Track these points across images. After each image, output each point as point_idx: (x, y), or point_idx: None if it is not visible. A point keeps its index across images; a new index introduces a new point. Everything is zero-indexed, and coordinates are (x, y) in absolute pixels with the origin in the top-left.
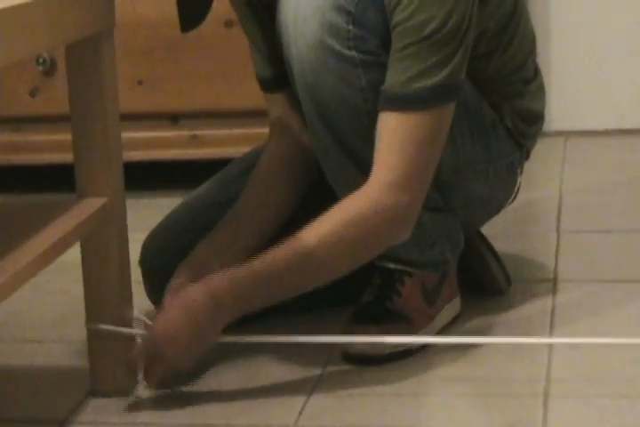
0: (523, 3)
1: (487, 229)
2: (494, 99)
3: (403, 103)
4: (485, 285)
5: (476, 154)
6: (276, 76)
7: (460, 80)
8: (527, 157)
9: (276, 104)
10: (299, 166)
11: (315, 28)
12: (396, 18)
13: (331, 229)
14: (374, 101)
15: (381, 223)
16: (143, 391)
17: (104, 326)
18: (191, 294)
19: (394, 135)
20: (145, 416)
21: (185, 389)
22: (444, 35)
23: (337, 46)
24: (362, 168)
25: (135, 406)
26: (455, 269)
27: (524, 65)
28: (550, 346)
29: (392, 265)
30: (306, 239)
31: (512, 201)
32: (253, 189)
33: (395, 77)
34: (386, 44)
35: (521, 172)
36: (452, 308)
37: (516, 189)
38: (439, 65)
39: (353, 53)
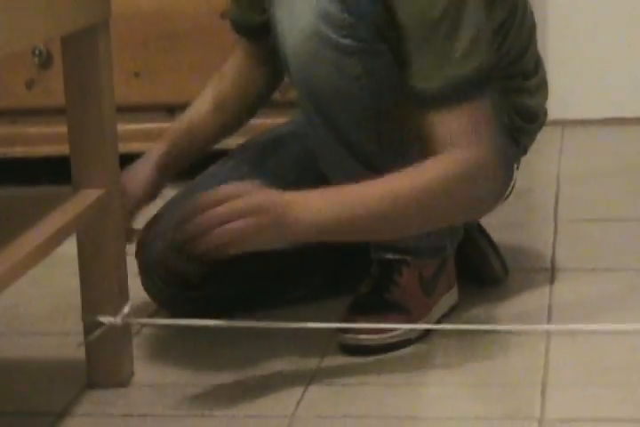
0: None
1: (484, 219)
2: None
3: (455, 99)
4: (483, 274)
5: None
6: (262, 25)
7: (493, 55)
8: (524, 152)
9: (250, 47)
10: (256, 79)
11: (309, 17)
12: (404, 9)
13: (430, 178)
14: (370, 90)
15: (477, 182)
16: None
17: (101, 318)
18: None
19: (453, 128)
20: (143, 408)
21: (183, 380)
22: (458, 14)
23: (332, 35)
24: (359, 159)
25: (133, 398)
26: (453, 260)
27: (522, 58)
28: (548, 335)
29: (390, 255)
30: (403, 185)
31: (508, 196)
32: (209, 94)
33: (431, 74)
34: (380, 31)
35: (517, 167)
36: (449, 298)
37: (511, 184)
38: (468, 51)
39: (348, 42)
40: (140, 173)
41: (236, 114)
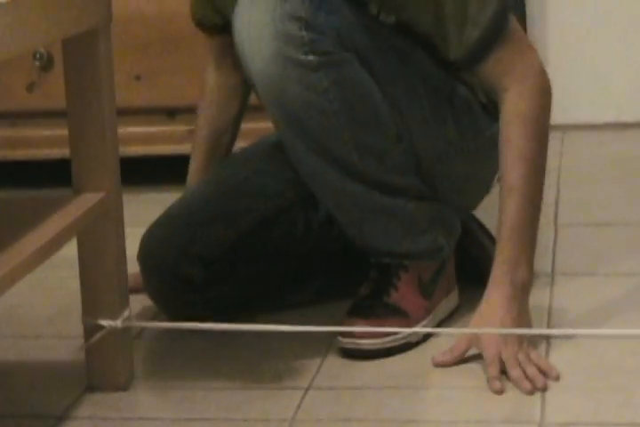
0: None
1: (484, 222)
2: (464, 75)
3: (485, 50)
4: (482, 265)
5: (454, 136)
6: (225, 23)
7: None
8: None
9: (215, 43)
10: (237, 90)
11: (269, 40)
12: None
13: (523, 141)
14: (341, 100)
15: (545, 106)
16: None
17: (102, 321)
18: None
19: (502, 70)
20: (142, 411)
21: (183, 383)
22: None
23: (294, 54)
24: (339, 169)
25: (133, 401)
26: (452, 263)
27: None
28: (548, 339)
29: (387, 259)
30: (516, 171)
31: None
32: (205, 116)
33: (458, 39)
34: (342, 40)
35: None
36: (449, 301)
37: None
38: (480, 5)
39: (310, 58)
40: None
41: (231, 131)
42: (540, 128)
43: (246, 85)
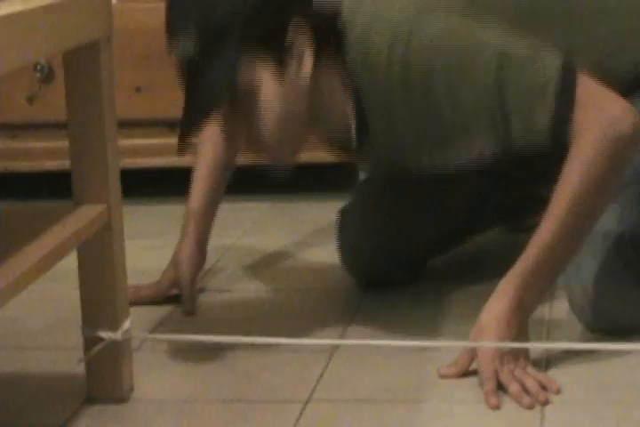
0: None
1: (482, 236)
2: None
3: (565, 106)
4: None
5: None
6: None
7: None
8: None
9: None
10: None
11: None
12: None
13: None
14: None
15: (620, 142)
16: None
17: (102, 333)
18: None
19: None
20: (142, 423)
21: (183, 396)
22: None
23: None
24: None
25: (133, 413)
26: None
27: None
28: (547, 353)
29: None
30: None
31: None
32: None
33: (530, 118)
34: None
35: None
36: None
37: None
38: (536, 74)
39: None
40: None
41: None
42: (602, 173)
43: None
